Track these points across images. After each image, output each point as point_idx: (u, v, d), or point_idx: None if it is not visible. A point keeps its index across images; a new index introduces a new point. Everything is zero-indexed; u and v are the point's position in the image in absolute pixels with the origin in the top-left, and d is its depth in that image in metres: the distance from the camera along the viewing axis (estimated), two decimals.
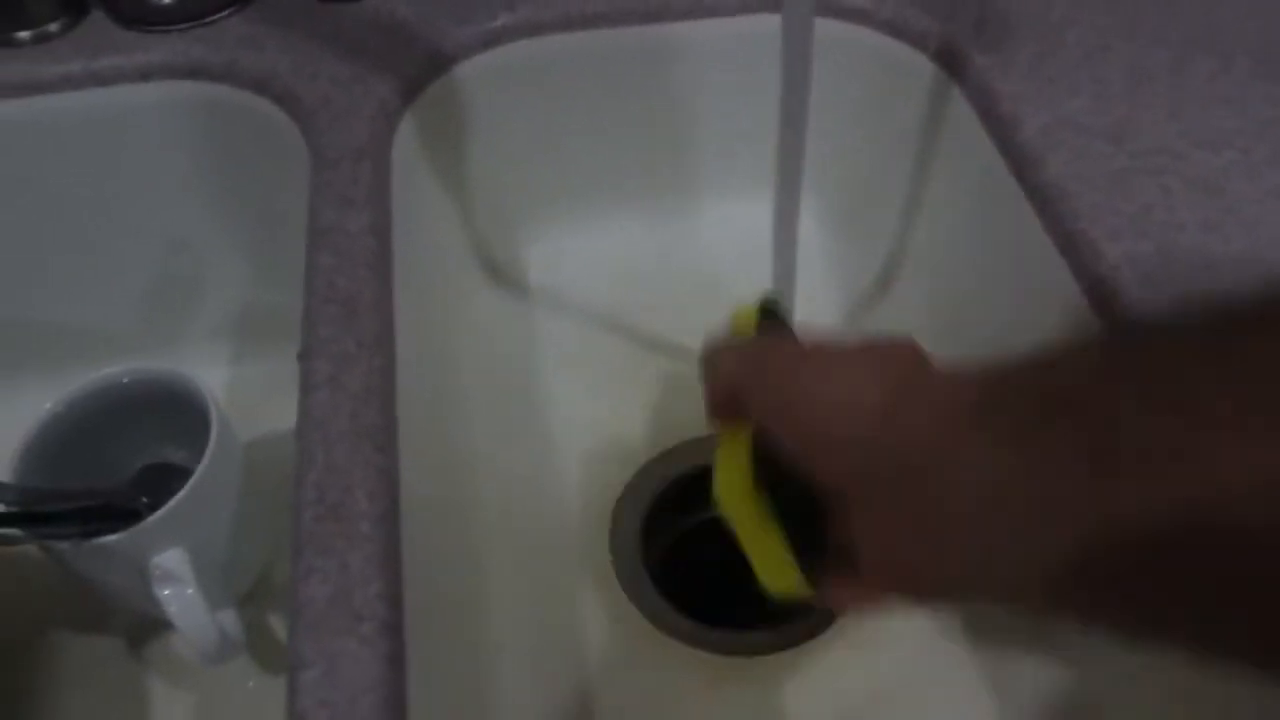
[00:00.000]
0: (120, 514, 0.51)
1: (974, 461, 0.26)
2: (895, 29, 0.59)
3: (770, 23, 0.60)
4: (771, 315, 0.42)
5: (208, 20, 0.59)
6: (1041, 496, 0.25)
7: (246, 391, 0.67)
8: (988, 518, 0.26)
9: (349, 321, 0.44)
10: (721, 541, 0.59)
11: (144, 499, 0.58)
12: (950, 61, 0.57)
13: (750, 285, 0.61)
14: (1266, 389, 0.21)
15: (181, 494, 0.50)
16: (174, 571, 0.51)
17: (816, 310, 0.64)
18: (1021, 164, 0.51)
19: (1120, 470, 0.23)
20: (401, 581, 0.38)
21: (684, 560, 0.58)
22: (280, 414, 0.61)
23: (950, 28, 0.57)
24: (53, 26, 0.58)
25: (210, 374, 0.66)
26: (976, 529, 0.27)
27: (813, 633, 0.54)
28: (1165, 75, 0.54)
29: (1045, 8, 0.58)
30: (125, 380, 0.55)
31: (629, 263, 0.67)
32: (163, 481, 0.57)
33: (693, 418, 0.61)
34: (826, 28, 0.60)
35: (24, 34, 0.58)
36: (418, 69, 0.56)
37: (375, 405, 0.41)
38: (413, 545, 0.40)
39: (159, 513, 0.50)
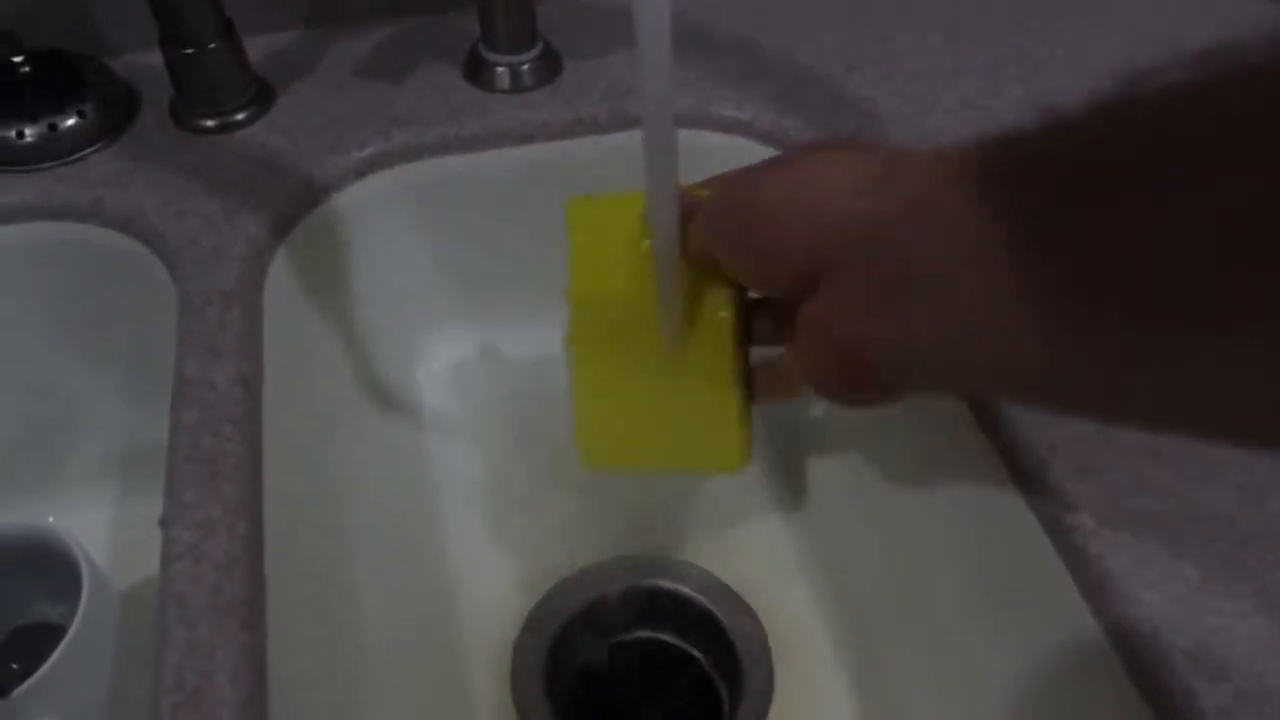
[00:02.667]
0: None
1: (942, 214, 0.27)
2: (775, 140, 0.59)
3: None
4: None
5: (72, 159, 0.57)
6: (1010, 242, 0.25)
7: (130, 532, 0.64)
8: (957, 275, 0.26)
9: (213, 484, 0.42)
10: (627, 671, 0.58)
11: (14, 665, 0.56)
12: None
13: None
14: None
15: (50, 661, 0.48)
16: None
17: None
18: None
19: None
20: None
21: (588, 693, 0.56)
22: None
23: (828, 136, 0.58)
24: None
25: (92, 516, 0.64)
26: (947, 290, 0.27)
27: None
28: None
29: (919, 117, 0.59)
30: None
31: (522, 381, 0.66)
32: (36, 643, 0.54)
33: (596, 543, 0.60)
34: (706, 140, 0.60)
35: None
36: (290, 202, 0.55)
37: (240, 577, 0.39)
38: None
39: (27, 683, 0.47)
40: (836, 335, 0.31)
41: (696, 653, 0.57)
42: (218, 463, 0.43)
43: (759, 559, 0.59)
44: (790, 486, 0.63)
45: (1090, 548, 0.39)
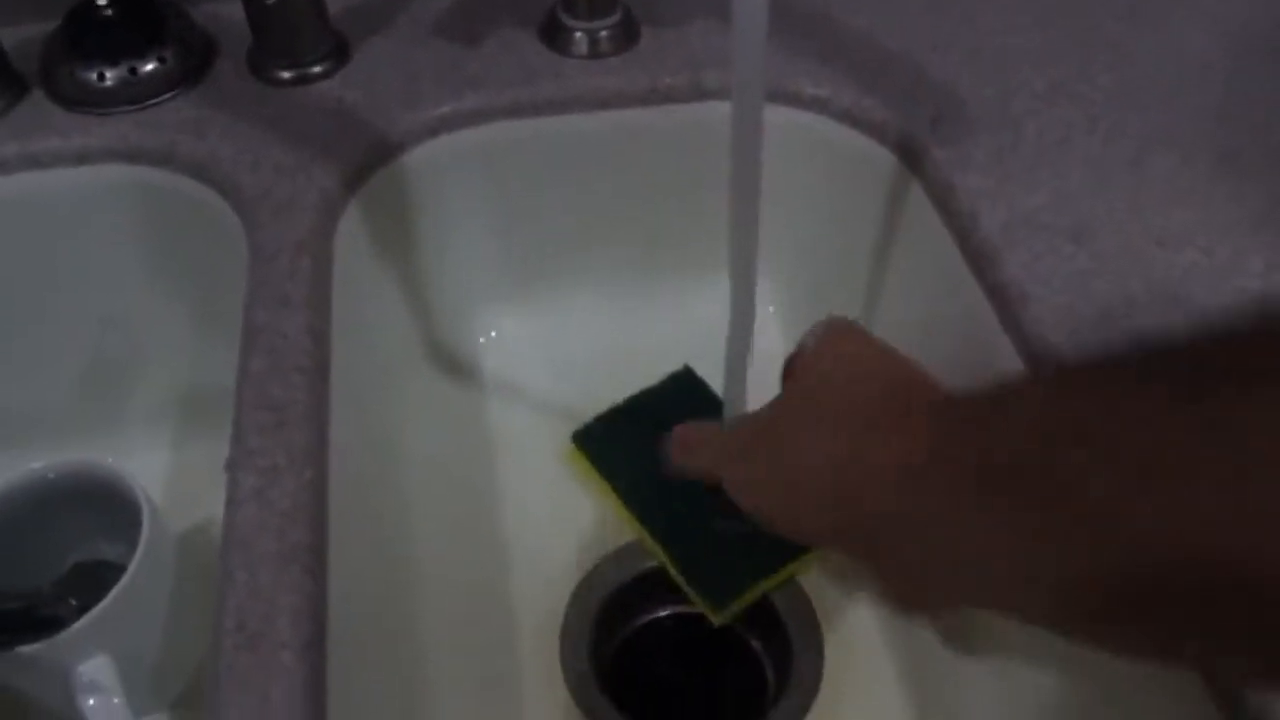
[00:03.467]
0: (45, 619, 0.49)
1: (938, 517, 0.30)
2: (854, 119, 0.58)
3: (724, 110, 0.59)
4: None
5: (150, 103, 0.57)
6: (1012, 554, 0.27)
7: (188, 475, 0.65)
8: (972, 566, 0.29)
9: (279, 432, 0.42)
10: (671, 644, 0.57)
11: (72, 600, 0.56)
12: (909, 153, 0.56)
13: (707, 371, 0.61)
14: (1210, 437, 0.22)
15: (106, 601, 0.48)
16: (99, 681, 0.49)
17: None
18: (980, 261, 0.50)
19: (1073, 528, 0.25)
20: (325, 716, 0.36)
21: (634, 663, 0.56)
22: (222, 499, 0.59)
23: (908, 120, 0.57)
24: None
25: (150, 458, 0.65)
26: (968, 574, 0.30)
27: None
28: (1126, 171, 0.53)
29: (1004, 101, 0.57)
30: (50, 475, 0.53)
31: (583, 350, 0.66)
32: (94, 581, 0.55)
33: None
34: (785, 115, 0.59)
35: None
36: (363, 157, 0.55)
37: (304, 523, 0.39)
38: (343, 675, 0.38)
39: (82, 621, 0.48)
40: (898, 595, 0.36)
41: (747, 634, 0.56)
42: (285, 411, 0.43)
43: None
44: None
45: None
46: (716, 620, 0.51)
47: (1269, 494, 0.20)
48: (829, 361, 0.40)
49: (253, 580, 0.38)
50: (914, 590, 0.35)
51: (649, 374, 0.62)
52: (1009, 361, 0.47)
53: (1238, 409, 0.21)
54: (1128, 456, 0.23)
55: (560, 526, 0.59)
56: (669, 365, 0.62)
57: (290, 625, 0.36)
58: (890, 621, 0.56)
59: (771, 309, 0.68)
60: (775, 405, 0.41)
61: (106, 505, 0.53)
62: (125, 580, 0.48)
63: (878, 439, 0.33)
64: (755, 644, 0.56)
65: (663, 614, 0.57)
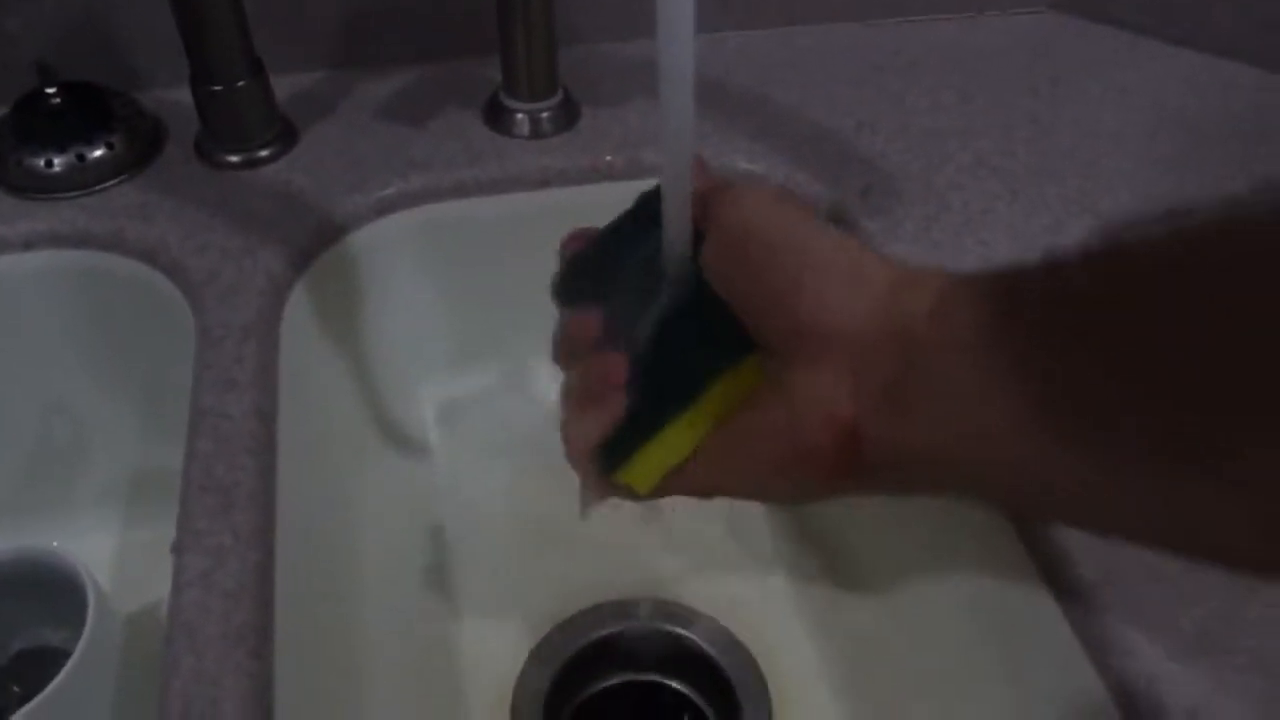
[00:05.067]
0: None
1: (966, 342, 0.28)
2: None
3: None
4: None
5: (97, 189, 0.58)
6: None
7: (136, 558, 0.65)
8: (974, 392, 0.27)
9: (226, 514, 0.42)
10: (626, 713, 0.58)
11: (15, 688, 0.56)
12: (840, 225, 0.58)
13: None
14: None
15: (49, 689, 0.48)
16: None
17: None
18: None
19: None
20: None
21: None
22: (165, 583, 0.59)
23: (839, 192, 0.59)
24: None
25: (98, 541, 0.64)
26: (962, 403, 0.28)
27: None
28: (1046, 238, 0.56)
29: (930, 174, 0.60)
30: None
31: (528, 421, 0.67)
32: (39, 666, 0.54)
33: (598, 584, 0.60)
34: None
35: None
36: (310, 238, 0.56)
37: (250, 605, 0.40)
38: None
39: (27, 707, 0.47)
40: (840, 418, 0.30)
41: (697, 698, 0.57)
42: (231, 492, 0.43)
43: (763, 609, 0.59)
44: (799, 536, 0.63)
45: (1090, 599, 0.39)
46: None
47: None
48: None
49: (198, 664, 0.38)
50: (870, 438, 0.30)
51: None
52: None
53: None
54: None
55: (510, 598, 0.60)
56: None
57: (236, 710, 0.37)
58: (838, 682, 0.57)
59: None
60: None
61: (51, 591, 0.53)
62: (69, 667, 0.48)
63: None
64: (704, 707, 0.57)
65: (614, 682, 0.57)
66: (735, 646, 0.57)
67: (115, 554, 0.65)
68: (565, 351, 0.40)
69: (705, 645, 0.56)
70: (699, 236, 0.34)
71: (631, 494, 0.37)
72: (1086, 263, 0.26)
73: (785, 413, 0.32)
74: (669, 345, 0.34)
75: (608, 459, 0.36)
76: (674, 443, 0.34)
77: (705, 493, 0.36)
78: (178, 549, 0.42)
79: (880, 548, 0.56)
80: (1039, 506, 0.31)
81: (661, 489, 0.36)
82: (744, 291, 0.32)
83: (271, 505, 0.44)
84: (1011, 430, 0.26)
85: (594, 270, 0.41)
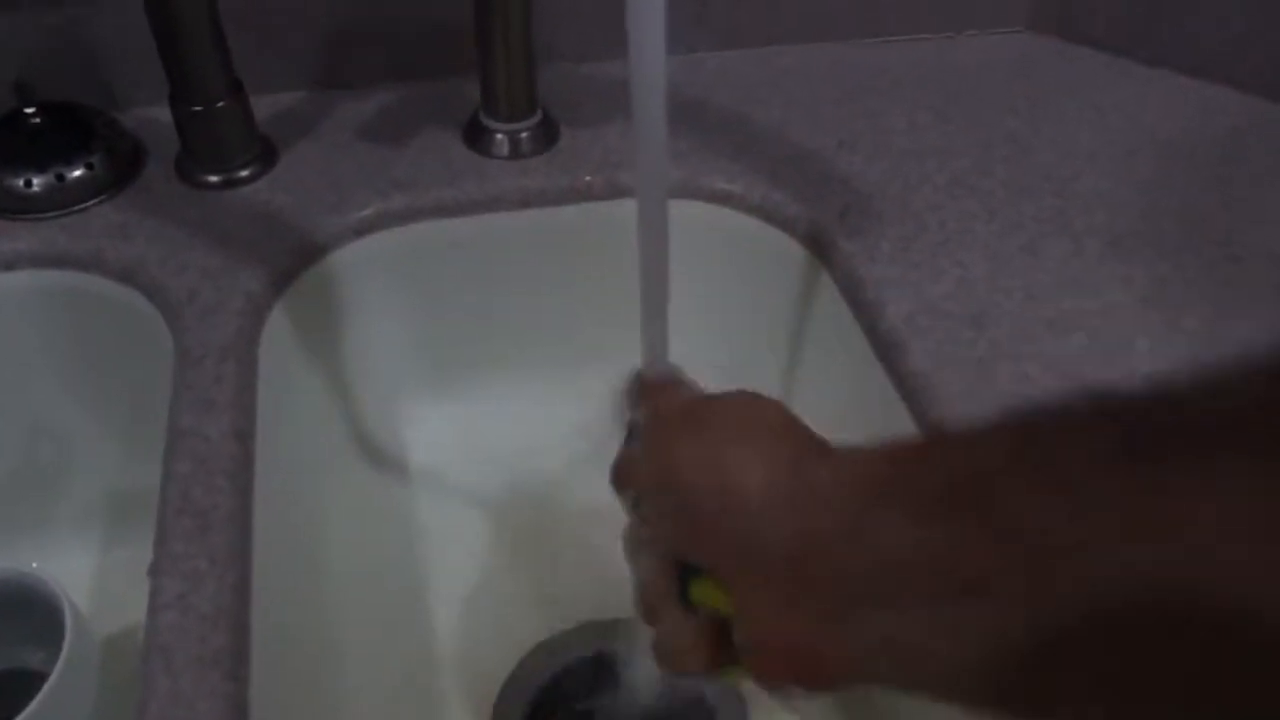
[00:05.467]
0: None
1: (877, 540, 0.26)
2: (765, 213, 0.61)
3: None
4: None
5: (77, 209, 0.58)
6: (954, 575, 0.24)
7: (115, 580, 0.64)
8: (895, 595, 0.26)
9: (202, 535, 0.42)
10: None
11: None
12: (818, 245, 0.59)
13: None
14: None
15: (29, 709, 0.48)
16: None
17: None
18: (887, 350, 0.52)
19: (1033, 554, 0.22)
20: None
21: None
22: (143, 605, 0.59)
23: (817, 213, 0.59)
24: None
25: (77, 563, 0.64)
26: (881, 607, 0.26)
27: None
28: (1021, 258, 0.56)
29: (908, 194, 0.60)
30: None
31: (507, 441, 0.67)
32: (16, 690, 0.54)
33: (578, 604, 0.60)
34: (700, 210, 0.62)
35: None
36: (289, 258, 0.56)
37: (226, 627, 0.40)
38: None
39: None
40: (789, 643, 0.30)
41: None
42: (208, 514, 0.43)
43: None
44: None
45: None
46: None
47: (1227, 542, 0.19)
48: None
49: (174, 686, 0.38)
50: (825, 658, 0.29)
51: (569, 461, 0.63)
52: None
53: (1192, 471, 0.20)
54: (1072, 496, 0.22)
55: (488, 618, 0.60)
56: (588, 452, 0.63)
57: None
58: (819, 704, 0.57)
59: None
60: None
61: (29, 612, 0.53)
62: (47, 689, 0.48)
63: (809, 461, 0.30)
64: None
65: (592, 704, 0.57)
66: None
67: (94, 575, 0.64)
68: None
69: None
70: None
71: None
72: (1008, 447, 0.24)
73: (744, 639, 0.32)
74: None
75: None
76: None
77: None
78: (154, 571, 0.42)
79: None
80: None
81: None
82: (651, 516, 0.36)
83: (248, 527, 0.44)
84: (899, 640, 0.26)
85: None
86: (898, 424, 0.50)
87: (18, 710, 0.48)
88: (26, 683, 0.53)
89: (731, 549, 0.31)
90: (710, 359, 0.67)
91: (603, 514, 0.65)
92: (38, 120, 0.58)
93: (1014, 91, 0.71)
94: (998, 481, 0.24)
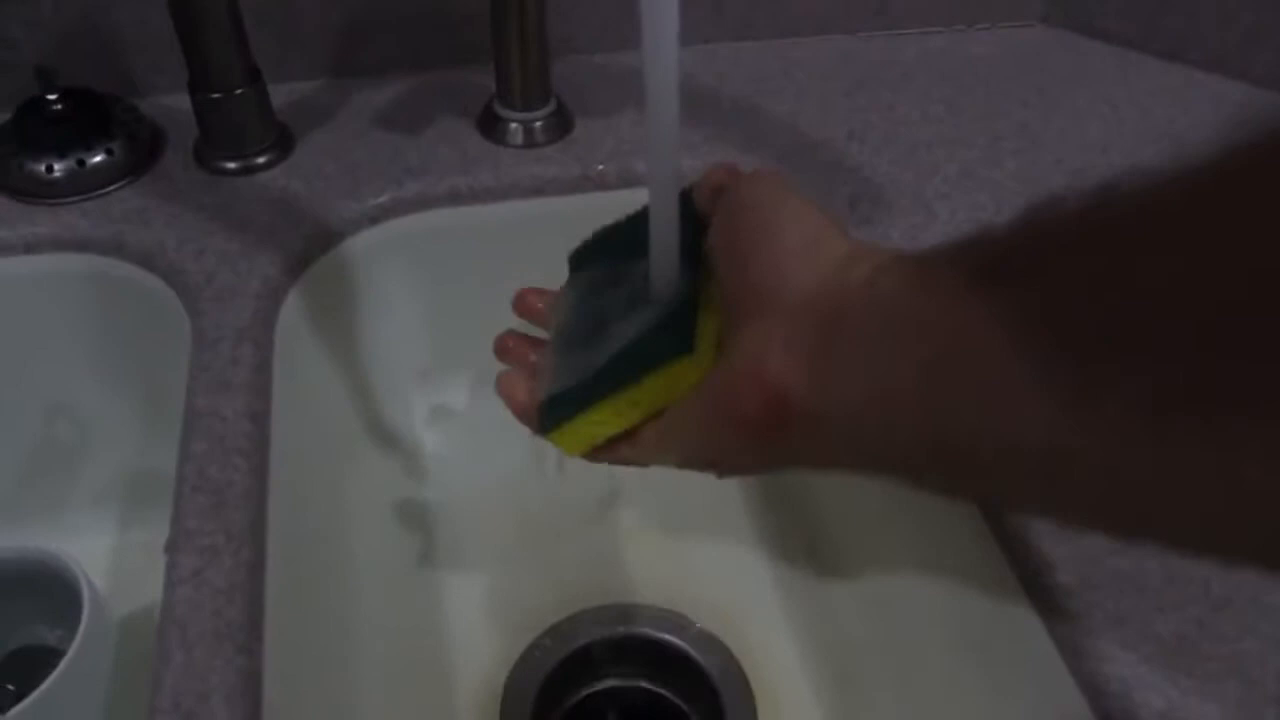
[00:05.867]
0: None
1: (893, 304, 0.28)
2: None
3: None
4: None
5: (97, 194, 0.59)
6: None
7: (132, 559, 0.65)
8: (893, 355, 0.27)
9: (218, 513, 0.43)
10: (613, 714, 0.58)
11: (10, 686, 0.57)
12: None
13: None
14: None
15: (43, 687, 0.49)
16: None
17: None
18: None
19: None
20: None
21: None
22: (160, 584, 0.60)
23: (827, 201, 0.60)
24: None
25: (94, 542, 0.65)
26: (875, 362, 0.28)
27: None
28: None
29: (918, 184, 0.61)
30: None
31: (522, 428, 0.67)
32: (34, 666, 0.55)
33: (586, 591, 0.61)
34: None
35: None
36: (305, 244, 0.57)
37: (241, 602, 0.40)
38: None
39: (21, 704, 0.48)
40: (770, 369, 0.30)
41: (683, 704, 0.58)
42: (224, 492, 0.44)
43: (747, 612, 0.60)
44: (783, 542, 0.64)
45: (1068, 606, 0.40)
46: None
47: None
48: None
49: (189, 659, 0.39)
50: (797, 389, 0.30)
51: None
52: None
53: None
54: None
55: (498, 602, 0.60)
56: None
57: (225, 704, 0.37)
58: (821, 683, 0.58)
59: None
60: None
61: (47, 590, 0.54)
62: (63, 665, 0.49)
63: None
64: (690, 713, 0.57)
65: (600, 688, 0.58)
66: (721, 650, 0.57)
67: (111, 555, 0.65)
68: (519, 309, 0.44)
69: (692, 650, 0.57)
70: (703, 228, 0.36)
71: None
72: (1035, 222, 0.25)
73: (720, 373, 0.33)
74: (625, 332, 0.36)
75: (547, 417, 0.38)
76: (604, 419, 0.36)
77: (637, 463, 0.38)
78: (171, 547, 0.43)
79: (864, 551, 0.57)
80: (961, 484, 0.31)
81: (592, 457, 0.39)
82: (724, 257, 0.34)
83: (263, 505, 0.45)
84: (910, 391, 0.26)
85: (611, 250, 0.44)
86: None
87: (35, 687, 0.49)
88: (44, 660, 0.54)
89: (760, 287, 0.32)
90: None
91: (614, 501, 0.66)
92: (59, 106, 0.59)
93: (1026, 84, 0.71)
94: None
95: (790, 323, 0.30)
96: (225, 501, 0.44)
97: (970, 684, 0.46)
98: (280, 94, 0.64)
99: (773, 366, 0.30)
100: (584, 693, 0.58)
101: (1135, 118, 0.67)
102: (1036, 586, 0.41)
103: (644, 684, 0.58)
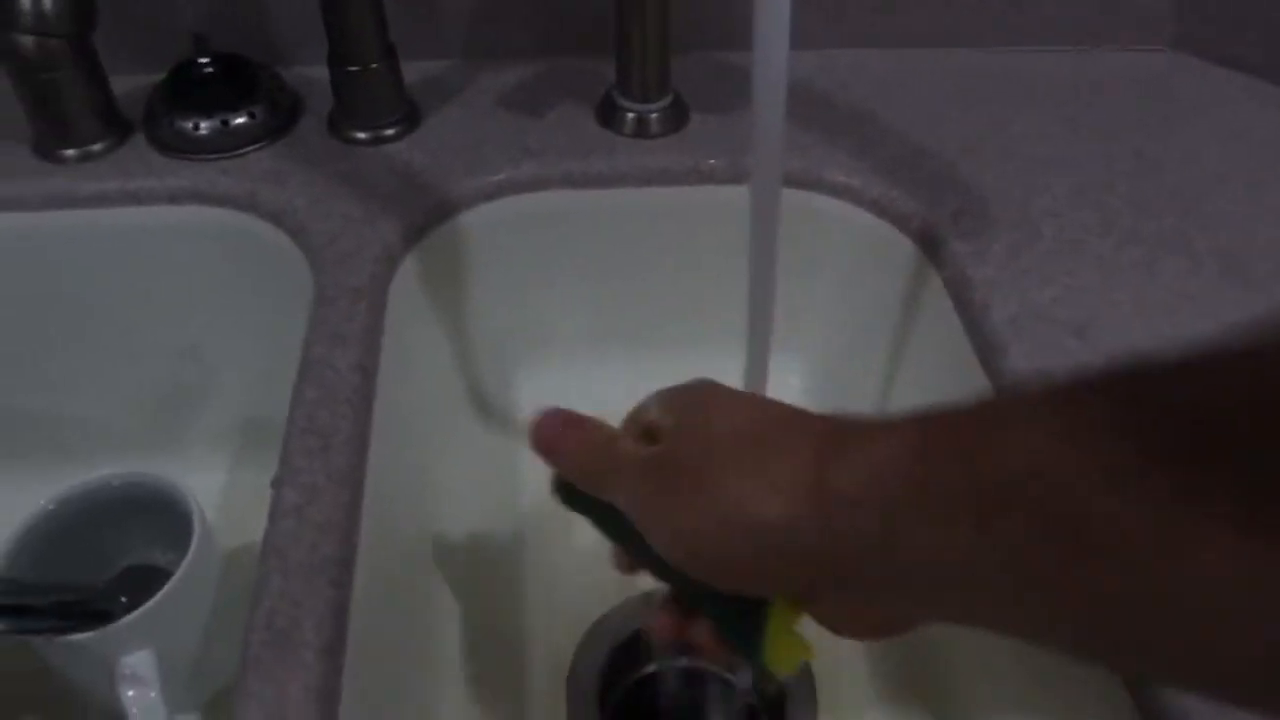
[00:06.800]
0: (97, 613, 0.54)
1: (930, 544, 0.26)
2: (880, 208, 0.62)
3: None
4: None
5: (237, 153, 0.63)
6: (1012, 579, 0.24)
7: (239, 497, 0.69)
8: (954, 595, 0.27)
9: (323, 455, 0.46)
10: (678, 689, 0.60)
11: (123, 598, 0.61)
12: (929, 244, 0.60)
13: None
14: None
15: (155, 599, 0.52)
16: (140, 673, 0.53)
17: None
18: (987, 351, 0.53)
19: (1096, 557, 0.23)
20: (337, 715, 0.39)
21: (638, 712, 0.58)
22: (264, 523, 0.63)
23: (932, 212, 0.60)
24: (96, 147, 0.63)
25: (207, 479, 0.69)
26: (946, 601, 0.27)
27: None
28: (1135, 273, 0.56)
29: (1025, 202, 0.61)
30: (116, 483, 0.58)
31: (611, 408, 0.69)
32: (144, 583, 0.59)
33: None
34: (815, 201, 0.63)
35: (70, 151, 0.63)
36: (424, 214, 0.60)
37: (336, 539, 0.43)
38: (358, 680, 0.41)
39: (132, 615, 0.52)
40: (866, 624, 0.32)
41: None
42: (330, 437, 0.47)
43: None
44: None
45: None
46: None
47: None
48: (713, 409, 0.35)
49: (285, 584, 0.42)
50: (891, 618, 0.32)
51: None
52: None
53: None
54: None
55: (574, 574, 0.62)
56: None
57: (314, 628, 0.40)
58: (882, 671, 0.58)
59: (795, 381, 0.71)
60: (676, 442, 0.34)
61: (162, 515, 0.58)
62: (174, 581, 0.52)
63: (830, 462, 0.29)
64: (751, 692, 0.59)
65: (665, 666, 0.60)
66: None
67: (222, 491, 0.70)
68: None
69: None
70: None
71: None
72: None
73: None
74: None
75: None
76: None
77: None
78: (277, 483, 0.46)
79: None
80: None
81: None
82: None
83: (364, 452, 0.47)
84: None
85: None
86: None
87: (145, 600, 0.52)
88: (155, 578, 0.58)
89: (784, 580, 0.31)
90: (812, 341, 0.69)
91: None
92: (209, 70, 0.63)
93: (1148, 108, 0.70)
94: (1033, 486, 0.24)
95: (830, 599, 0.32)
96: (330, 446, 0.47)
97: None
98: (411, 71, 0.67)
99: (866, 622, 0.32)
100: (651, 669, 0.59)
101: (1258, 149, 0.66)
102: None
103: (706, 665, 0.60)
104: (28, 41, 0.58)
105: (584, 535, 0.64)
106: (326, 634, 0.40)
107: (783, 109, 0.41)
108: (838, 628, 0.33)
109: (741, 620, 0.34)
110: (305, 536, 0.43)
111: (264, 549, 0.43)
